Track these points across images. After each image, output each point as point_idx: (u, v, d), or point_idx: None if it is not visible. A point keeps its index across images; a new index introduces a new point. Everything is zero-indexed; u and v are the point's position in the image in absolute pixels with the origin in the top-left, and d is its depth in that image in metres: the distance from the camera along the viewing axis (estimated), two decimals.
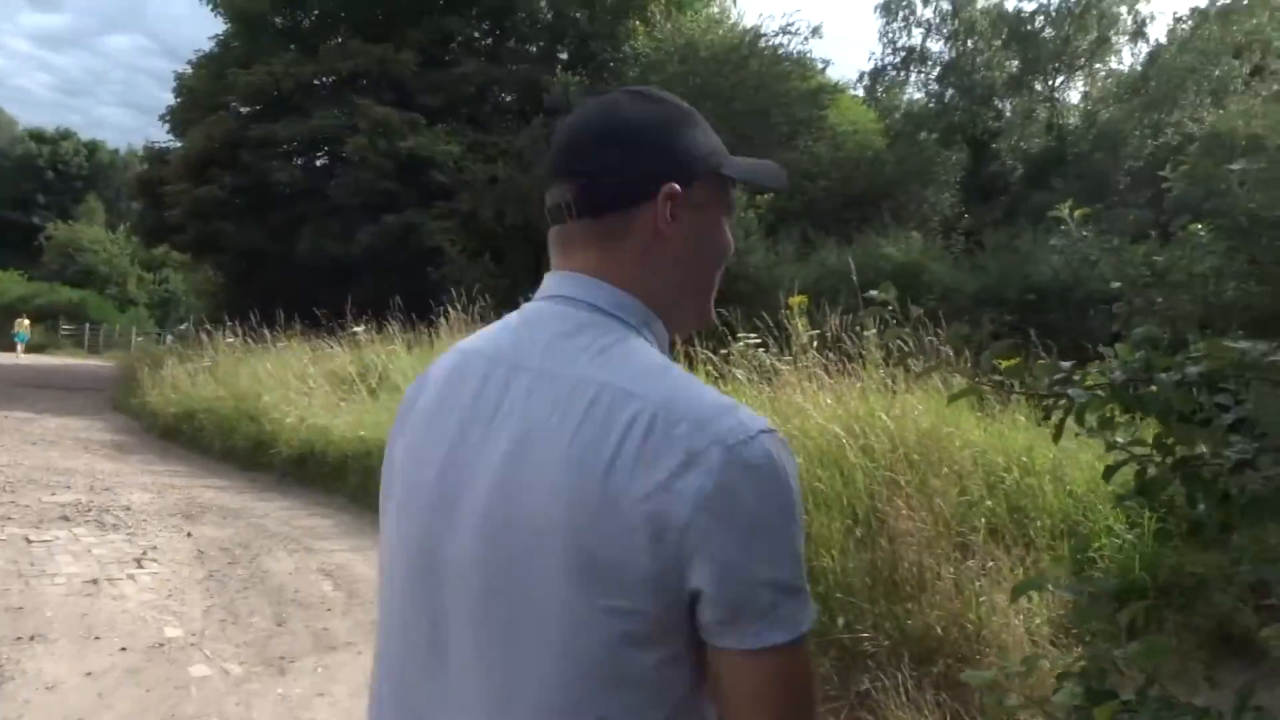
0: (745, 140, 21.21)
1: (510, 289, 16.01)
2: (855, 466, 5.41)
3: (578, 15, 22.74)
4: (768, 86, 21.44)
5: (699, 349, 8.53)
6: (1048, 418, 1.70)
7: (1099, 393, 1.58)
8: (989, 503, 5.03)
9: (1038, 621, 4.11)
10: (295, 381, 10.87)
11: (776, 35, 22.21)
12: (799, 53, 22.31)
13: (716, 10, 25.83)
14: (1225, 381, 1.85)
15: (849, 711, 4.04)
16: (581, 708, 0.92)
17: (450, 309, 11.07)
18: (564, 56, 24.06)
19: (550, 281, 1.15)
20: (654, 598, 0.90)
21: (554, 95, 20.34)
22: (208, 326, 14.87)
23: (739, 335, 8.09)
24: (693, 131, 1.14)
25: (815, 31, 28.40)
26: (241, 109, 22.78)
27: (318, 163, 23.34)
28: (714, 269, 1.15)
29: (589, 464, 0.91)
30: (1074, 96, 24.45)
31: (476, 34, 23.49)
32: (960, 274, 16.81)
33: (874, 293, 1.93)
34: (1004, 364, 1.81)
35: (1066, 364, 1.67)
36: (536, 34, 23.36)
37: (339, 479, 8.91)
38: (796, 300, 6.43)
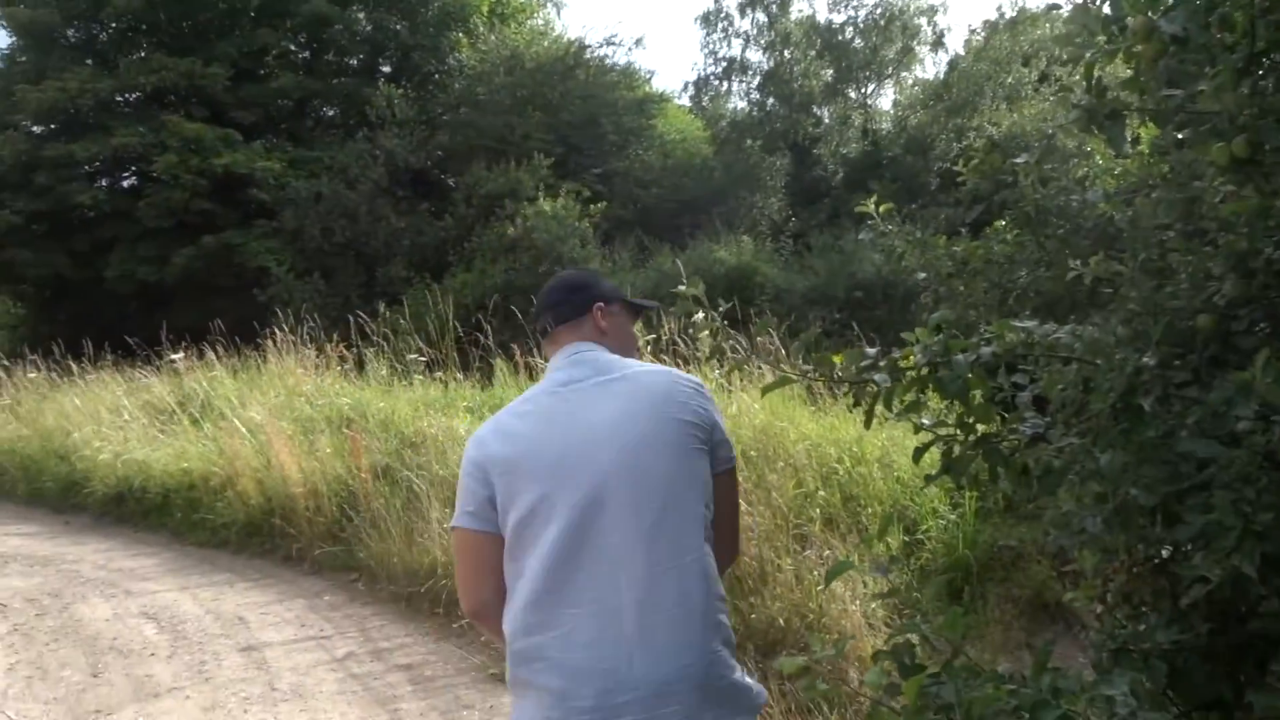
0: (576, 150, 21.32)
1: (343, 306, 15.54)
2: None
3: (399, 28, 22.25)
4: (596, 96, 21.59)
5: (538, 359, 8.49)
6: (858, 404, 1.76)
7: (900, 378, 1.64)
8: (823, 493, 5.20)
9: (873, 606, 4.26)
10: (109, 415, 10.15)
11: (601, 46, 22.41)
12: (625, 63, 22.60)
13: (541, 22, 25.85)
14: (1024, 362, 1.96)
15: None
16: (687, 499, 1.90)
17: (278, 330, 10.60)
18: (386, 69, 23.50)
19: (568, 349, 2.07)
20: (706, 440, 1.97)
21: (378, 108, 19.86)
22: (4, 362, 13.69)
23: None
24: (604, 282, 2.24)
25: (638, 43, 28.89)
26: (34, 128, 21.14)
27: (125, 183, 21.91)
28: (632, 342, 2.26)
29: (664, 398, 1.95)
30: (885, 103, 25.74)
31: (293, 47, 22.61)
32: (790, 275, 17.39)
33: (682, 287, 1.95)
34: (836, 358, 1.87)
35: (872, 350, 1.73)
36: (356, 47, 22.71)
37: (162, 515, 8.38)
38: (687, 290, 6.48)
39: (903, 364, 1.74)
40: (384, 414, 8.05)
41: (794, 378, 1.78)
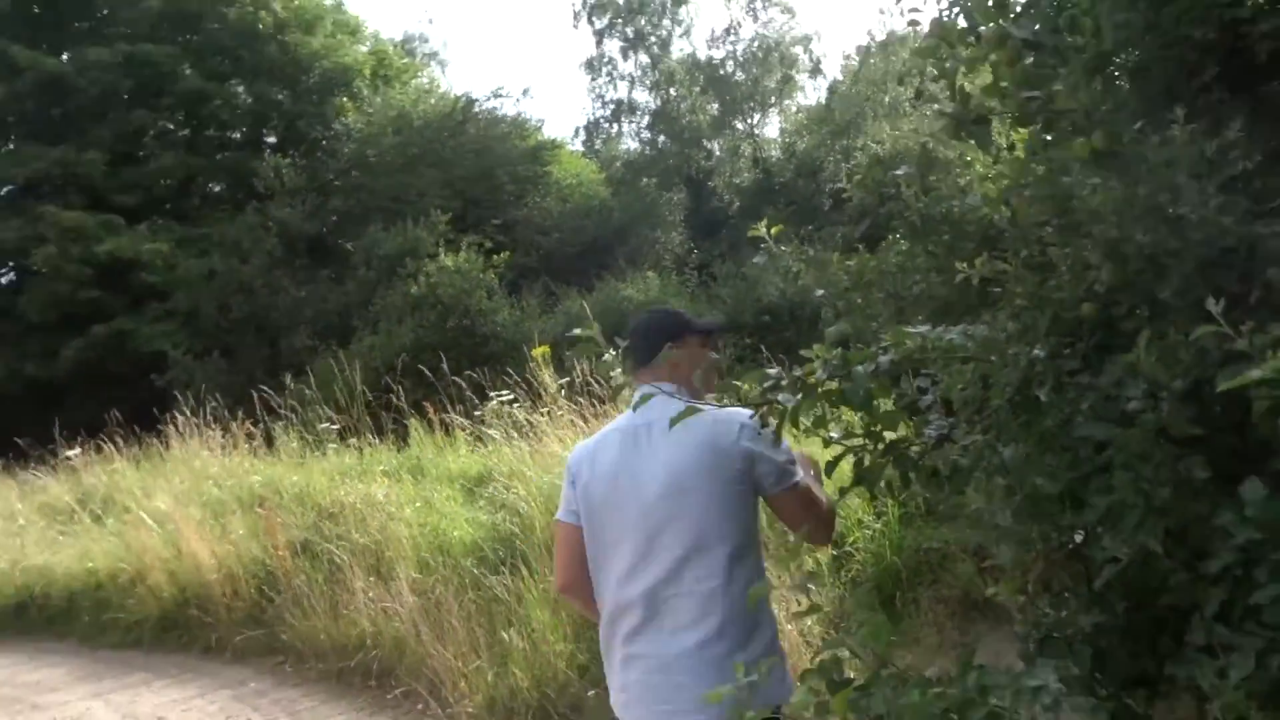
0: (474, 203, 21.28)
1: (248, 383, 15.07)
2: None
3: (280, 97, 21.98)
4: (488, 149, 21.64)
5: (453, 415, 8.38)
6: (765, 425, 1.76)
7: (809, 394, 1.65)
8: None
9: (808, 623, 4.27)
10: (2, 522, 9.64)
11: (488, 100, 22.49)
12: (514, 114, 22.71)
13: (425, 81, 25.87)
14: (925, 366, 2.00)
15: None
16: (713, 537, 2.22)
17: (179, 414, 10.24)
18: (272, 139, 23.17)
19: (640, 390, 2.22)
20: (746, 473, 2.25)
21: (266, 179, 19.54)
22: None
23: (491, 394, 8.02)
24: (676, 319, 2.60)
25: (525, 93, 29.18)
26: None
27: (2, 280, 21.07)
28: (707, 365, 2.40)
29: (702, 446, 2.23)
30: (773, 131, 26.39)
31: (171, 125, 22.11)
32: (699, 306, 17.58)
33: (576, 331, 1.93)
34: (739, 381, 1.87)
35: (774, 370, 1.74)
36: (238, 119, 22.35)
37: (69, 620, 7.96)
38: (539, 351, 6.47)
39: (807, 380, 1.75)
40: (298, 488, 7.81)
41: (700, 407, 1.77)
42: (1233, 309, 1.88)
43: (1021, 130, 1.92)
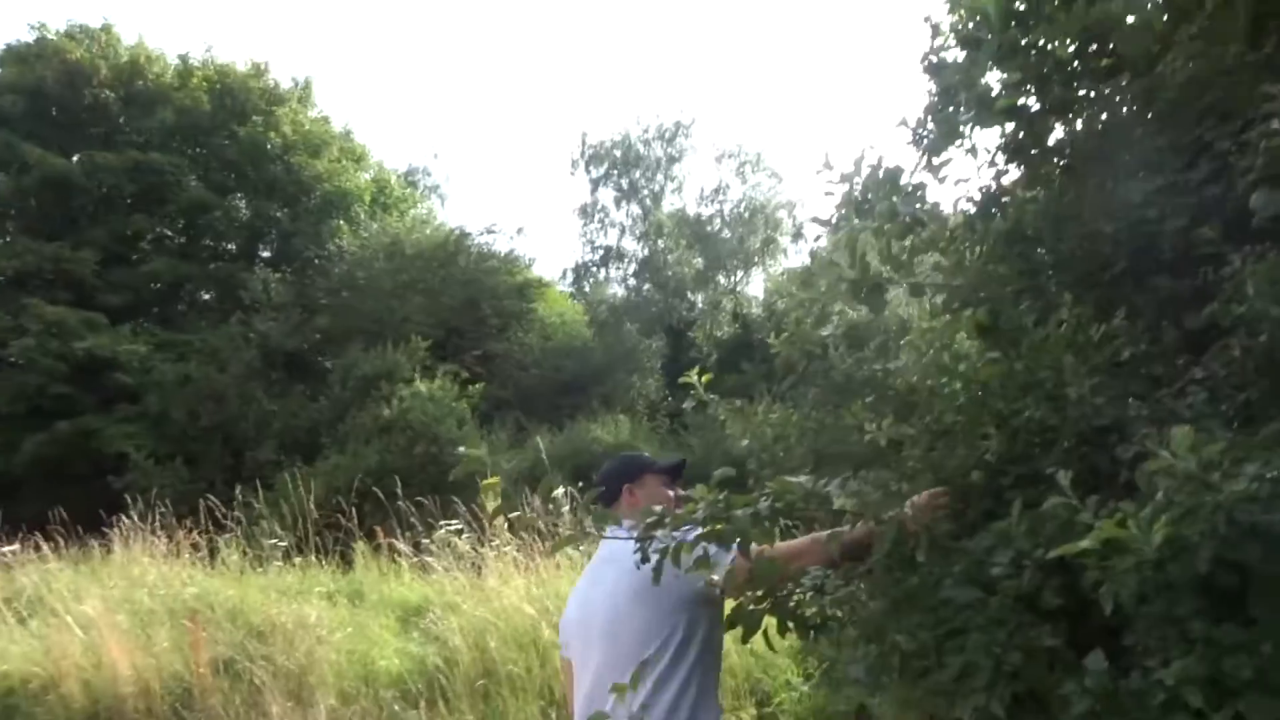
0: (456, 333, 21.54)
1: (205, 491, 14.83)
2: (551, 645, 5.35)
3: (279, 215, 22.51)
4: (476, 281, 22.06)
5: (400, 542, 8.28)
6: (646, 560, 1.79)
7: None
8: None
9: None
10: None
11: (482, 234, 23.09)
12: (506, 250, 23.27)
13: (424, 211, 26.59)
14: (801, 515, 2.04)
15: None
16: (631, 659, 2.29)
17: (126, 518, 10.05)
18: (266, 254, 23.60)
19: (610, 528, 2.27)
20: (667, 593, 2.18)
21: (254, 292, 19.81)
22: None
23: (440, 524, 7.94)
24: (636, 461, 2.83)
25: (519, 231, 29.88)
26: None
27: None
28: (667, 502, 2.49)
29: (630, 578, 2.14)
30: (756, 288, 27.06)
31: (169, 231, 22.53)
32: (667, 452, 17.63)
33: (461, 449, 1.96)
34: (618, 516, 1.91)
35: (658, 508, 1.78)
36: (234, 232, 22.79)
37: None
38: (488, 484, 6.46)
39: (689, 519, 1.79)
40: (232, 603, 7.62)
41: (578, 537, 1.81)
42: (1105, 487, 1.96)
43: (916, 300, 2.02)
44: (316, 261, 22.89)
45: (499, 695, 5.18)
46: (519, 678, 5.21)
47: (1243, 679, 1.28)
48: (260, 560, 8.94)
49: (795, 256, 27.03)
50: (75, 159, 21.24)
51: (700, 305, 25.88)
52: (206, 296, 23.43)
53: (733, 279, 26.91)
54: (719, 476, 1.83)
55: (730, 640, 5.32)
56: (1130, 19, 2.59)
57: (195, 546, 9.53)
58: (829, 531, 2.17)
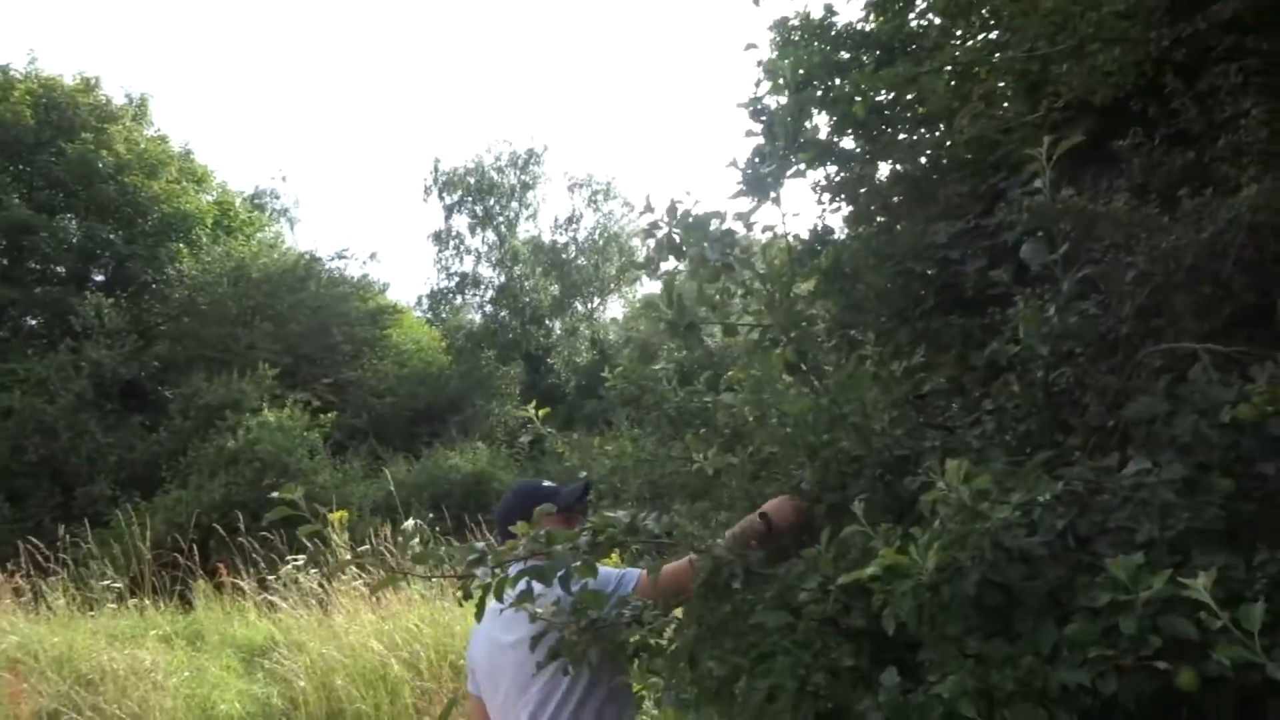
0: (307, 360, 20.89)
1: (34, 531, 13.85)
2: (401, 681, 5.28)
3: (112, 237, 21.35)
4: (327, 307, 21.47)
5: (244, 580, 7.98)
6: (469, 597, 1.83)
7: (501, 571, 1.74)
8: None
9: None
10: None
11: (333, 260, 22.51)
12: (358, 275, 22.76)
13: (271, 235, 25.74)
14: (625, 549, 2.12)
15: None
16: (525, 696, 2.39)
17: None
18: (99, 278, 22.32)
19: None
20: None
21: (85, 318, 18.72)
22: None
23: (287, 559, 7.70)
24: (530, 494, 2.66)
25: (373, 257, 29.29)
26: None
27: None
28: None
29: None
30: (613, 315, 27.35)
31: None
32: (526, 477, 17.56)
33: (276, 494, 1.97)
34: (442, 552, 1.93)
35: (480, 544, 1.82)
36: (63, 255, 21.46)
37: None
38: (336, 516, 6.30)
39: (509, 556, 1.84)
40: (58, 650, 7.16)
41: (399, 575, 1.83)
42: (907, 514, 2.12)
43: (729, 338, 2.13)
44: (154, 286, 21.80)
45: None
46: (367, 715, 5.10)
47: (1008, 690, 1.42)
48: (91, 603, 8.44)
49: (651, 284, 27.51)
50: None
51: (558, 332, 25.94)
52: (33, 322, 21.96)
53: (590, 305, 27.12)
54: (538, 514, 1.88)
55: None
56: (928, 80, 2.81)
57: (17, 591, 8.92)
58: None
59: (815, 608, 1.81)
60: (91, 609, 8.44)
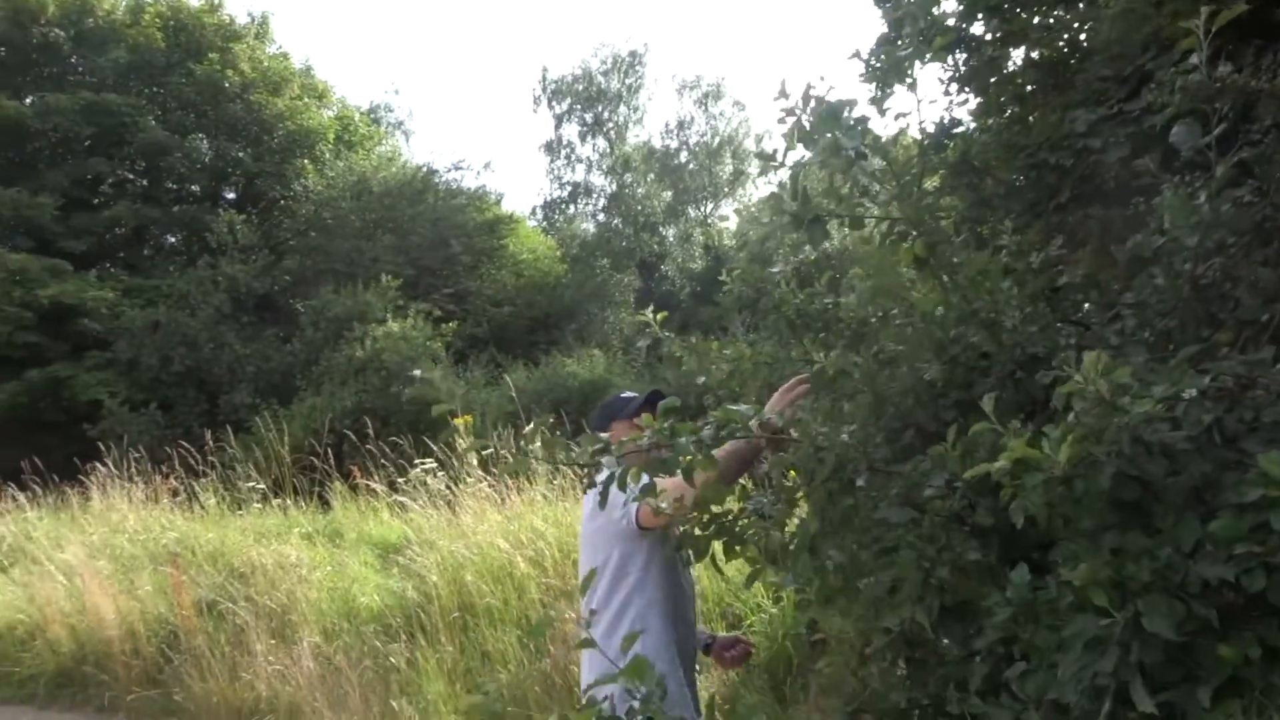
0: (428, 271, 21.43)
1: (184, 437, 14.87)
2: (527, 577, 5.48)
3: (242, 155, 22.11)
4: (445, 219, 21.88)
5: (376, 482, 8.37)
6: (592, 486, 1.87)
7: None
8: None
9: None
10: None
11: (449, 171, 22.81)
12: (474, 187, 23.03)
13: (388, 149, 26.19)
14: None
15: None
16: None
17: (102, 466, 10.09)
18: (230, 195, 23.25)
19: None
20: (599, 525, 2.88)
21: (220, 235, 19.58)
22: None
23: (416, 463, 8.03)
24: (607, 409, 3.12)
25: (487, 166, 29.49)
26: None
27: None
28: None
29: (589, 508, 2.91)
30: (727, 220, 27.01)
31: (130, 175, 22.10)
32: (643, 384, 17.77)
33: (406, 392, 1.99)
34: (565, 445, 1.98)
35: (604, 435, 1.85)
36: (197, 174, 22.39)
37: None
38: (461, 421, 6.53)
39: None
40: (212, 546, 7.71)
41: (527, 459, 1.89)
42: (1039, 412, 2.06)
43: (854, 232, 2.08)
44: (282, 202, 22.61)
45: (476, 627, 5.32)
46: (496, 610, 5.34)
47: (1143, 581, 1.38)
48: (238, 503, 9.02)
49: (766, 187, 27.00)
50: (28, 101, 20.74)
51: (671, 239, 25.81)
52: (172, 240, 23.13)
53: (703, 211, 26.84)
54: (665, 406, 1.89)
55: (701, 566, 5.48)
56: None
57: (173, 492, 9.60)
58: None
59: (941, 504, 1.79)
60: (239, 509, 9.02)
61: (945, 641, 1.72)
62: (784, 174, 2.13)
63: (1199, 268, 1.99)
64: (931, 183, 3.16)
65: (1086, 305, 2.27)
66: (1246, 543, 1.34)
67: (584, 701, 2.22)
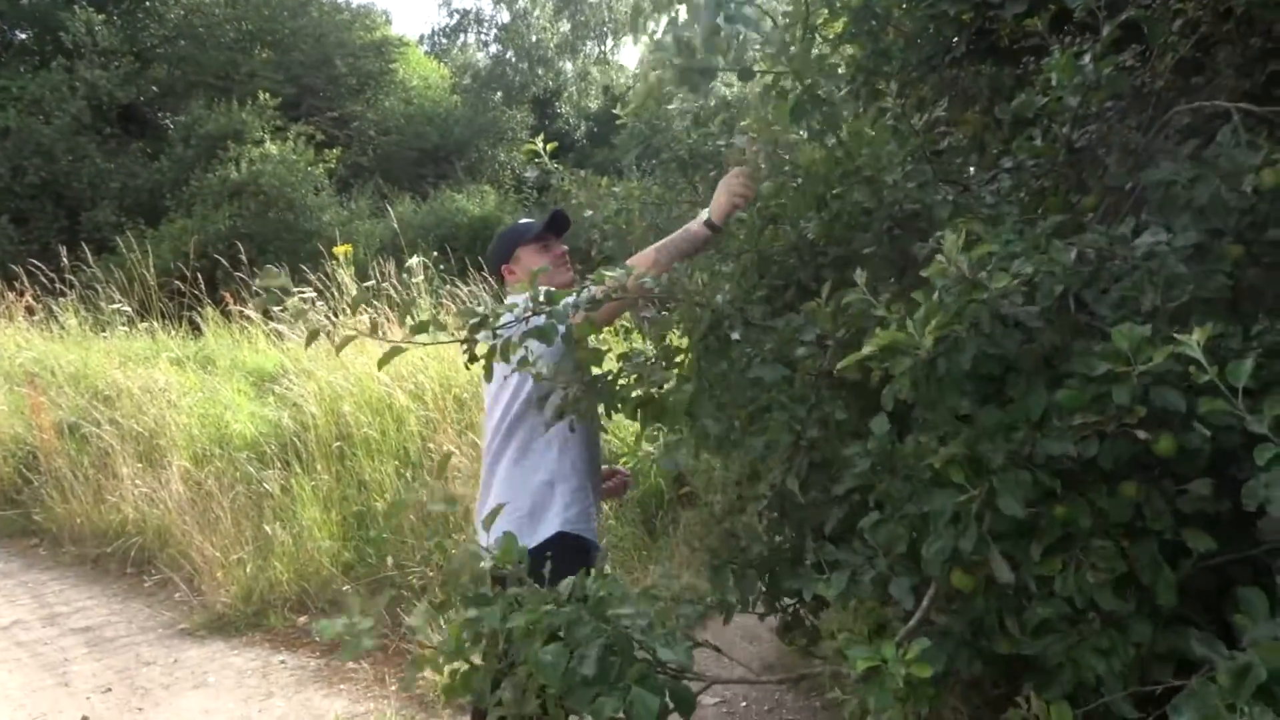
0: (310, 92, 20.26)
1: (41, 255, 13.98)
2: (406, 410, 5.46)
3: None
4: (329, 35, 20.58)
5: (251, 309, 8.10)
6: (474, 360, 1.84)
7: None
8: None
9: None
10: None
11: None
12: (359, 5, 21.62)
13: None
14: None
15: (397, 644, 4.13)
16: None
17: None
18: None
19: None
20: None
21: (76, 34, 17.95)
22: None
23: (293, 291, 7.77)
24: (508, 234, 2.82)
25: None
26: None
27: None
28: (554, 273, 2.66)
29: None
30: (628, 57, 26.18)
31: None
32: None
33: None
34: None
35: (481, 309, 1.80)
36: None
37: None
38: (341, 250, 6.30)
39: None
40: (74, 368, 7.40)
41: (404, 347, 1.84)
42: (911, 270, 2.08)
43: (740, 84, 2.02)
44: (147, 4, 20.77)
45: (354, 456, 5.31)
46: (374, 440, 5.32)
47: (997, 463, 1.44)
48: (101, 326, 8.63)
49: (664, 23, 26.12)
50: None
51: (569, 74, 24.93)
52: (22, 37, 21.09)
53: (602, 47, 25.92)
54: (536, 271, 1.85)
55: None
56: None
57: (30, 310, 9.10)
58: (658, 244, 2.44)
59: (812, 362, 1.82)
60: (103, 331, 8.64)
61: (810, 493, 1.79)
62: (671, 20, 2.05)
63: (1075, 132, 2.02)
64: (833, 30, 3.09)
65: (967, 167, 2.29)
66: (1087, 412, 1.40)
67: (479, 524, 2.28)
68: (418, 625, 1.49)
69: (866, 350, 1.47)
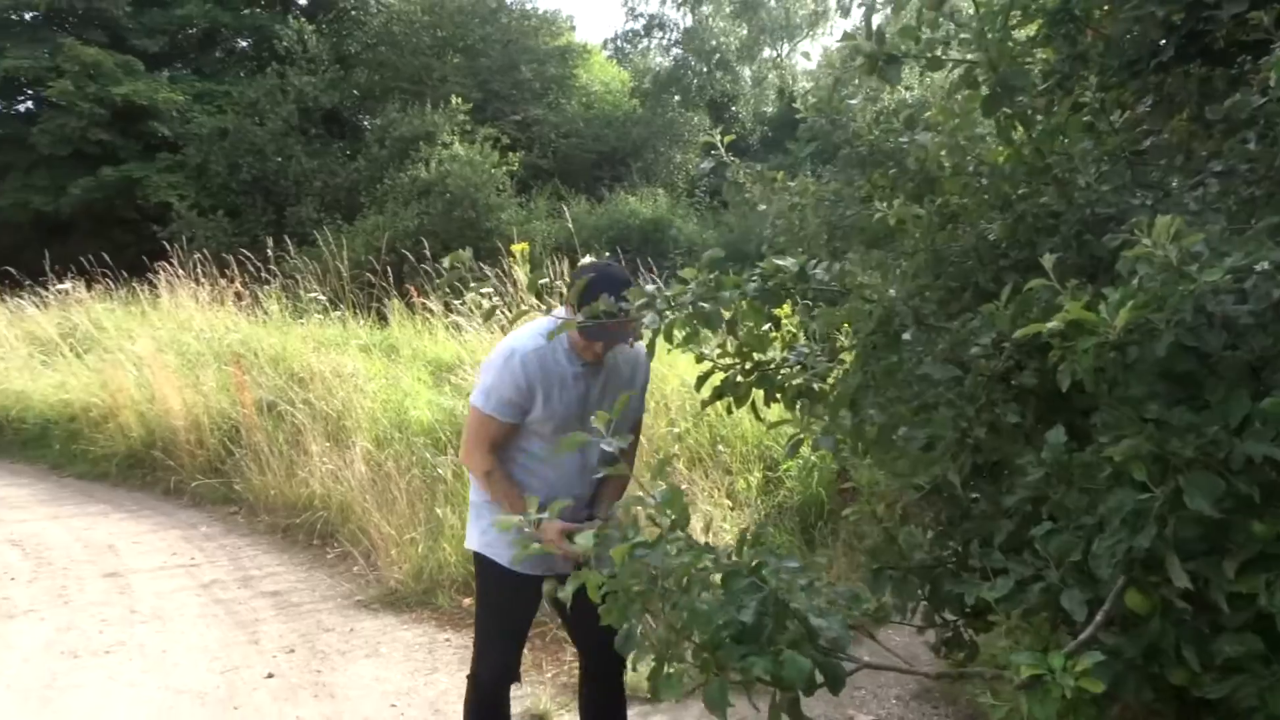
0: (495, 96, 21.05)
1: (251, 246, 15.08)
2: None
3: None
4: (517, 41, 21.32)
5: (433, 302, 8.50)
6: (639, 339, 1.87)
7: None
8: (694, 434, 5.36)
9: (727, 538, 4.44)
10: None
11: None
12: (547, 10, 22.30)
13: None
14: (802, 295, 2.08)
15: (554, 633, 4.22)
16: None
17: (169, 265, 10.37)
18: (302, 2, 22.80)
19: None
20: None
21: (289, 43, 19.31)
22: None
23: (472, 286, 8.11)
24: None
25: None
26: None
27: (19, 108, 20.96)
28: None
29: None
30: (807, 63, 25.87)
31: None
32: (704, 230, 17.57)
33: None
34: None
35: (650, 288, 1.82)
36: None
37: (41, 446, 8.21)
38: (518, 248, 6.54)
39: (678, 300, 1.83)
40: (274, 350, 7.97)
41: (574, 323, 1.89)
42: (1102, 275, 1.98)
43: (930, 75, 1.97)
44: (352, 12, 22.12)
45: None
46: None
47: (1186, 457, 1.34)
48: (299, 313, 9.25)
49: (846, 26, 25.68)
50: None
51: (746, 78, 24.89)
52: (243, 45, 22.90)
53: (778, 52, 25.73)
54: (708, 259, 1.86)
55: (744, 411, 5.53)
56: None
57: (238, 296, 9.86)
58: None
59: (985, 364, 1.75)
60: (300, 318, 9.26)
61: (975, 498, 1.73)
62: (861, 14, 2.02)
63: None
64: (1026, 32, 2.97)
65: (1169, 170, 2.15)
66: None
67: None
68: (583, 547, 1.53)
69: (1050, 325, 1.40)
